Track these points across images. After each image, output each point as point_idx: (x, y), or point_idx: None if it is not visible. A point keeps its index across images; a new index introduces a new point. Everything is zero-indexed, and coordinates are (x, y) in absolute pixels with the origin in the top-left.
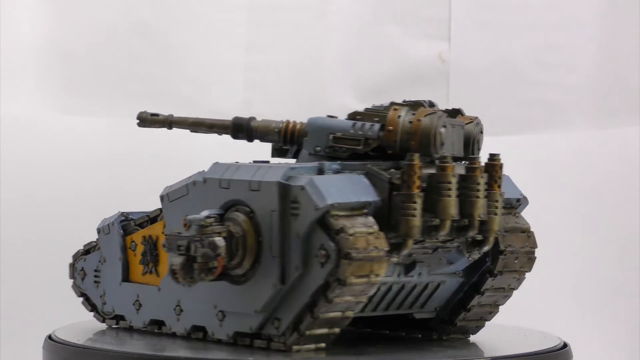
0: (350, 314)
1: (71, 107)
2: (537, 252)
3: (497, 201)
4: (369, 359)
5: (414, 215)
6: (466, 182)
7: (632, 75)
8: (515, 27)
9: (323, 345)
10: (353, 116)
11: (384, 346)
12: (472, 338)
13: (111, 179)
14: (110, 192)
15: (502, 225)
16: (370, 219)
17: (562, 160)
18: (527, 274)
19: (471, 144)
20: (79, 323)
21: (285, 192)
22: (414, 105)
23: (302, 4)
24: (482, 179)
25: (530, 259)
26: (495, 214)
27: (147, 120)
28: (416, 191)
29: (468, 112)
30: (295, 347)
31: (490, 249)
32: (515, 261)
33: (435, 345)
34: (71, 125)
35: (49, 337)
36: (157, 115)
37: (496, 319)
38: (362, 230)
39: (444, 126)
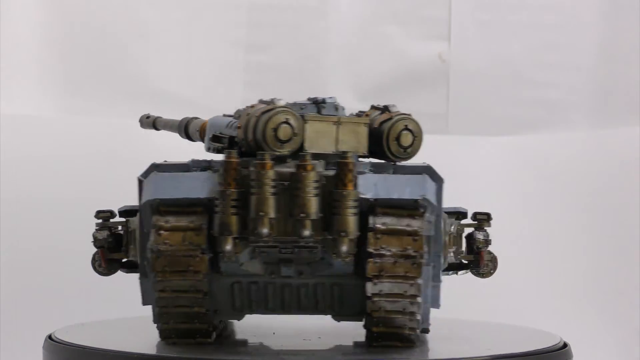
0: (199, 309)
1: (71, 107)
2: (537, 252)
3: (346, 201)
4: (369, 357)
5: (223, 212)
6: (296, 181)
7: (632, 76)
8: (515, 27)
9: (192, 340)
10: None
11: (385, 344)
12: (472, 337)
13: (111, 178)
14: (111, 192)
15: (354, 225)
16: (199, 216)
17: (562, 160)
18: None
19: (385, 141)
20: (79, 323)
21: (140, 188)
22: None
23: (302, 4)
24: (311, 177)
25: (415, 264)
26: (344, 214)
27: (143, 122)
28: (229, 189)
29: (468, 112)
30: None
31: (352, 250)
32: (395, 265)
33: (435, 344)
34: (71, 125)
35: (49, 337)
36: (148, 116)
37: (496, 319)
38: (181, 225)
39: (285, 122)
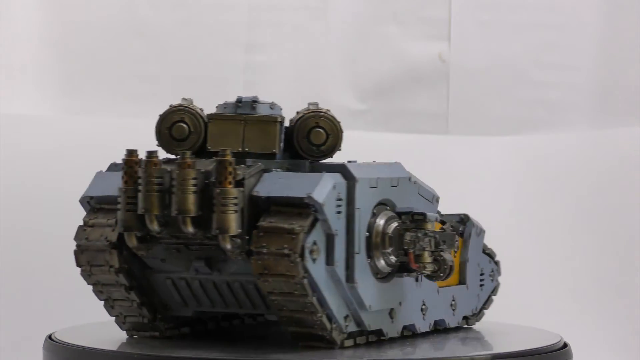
0: (131, 303)
1: (71, 107)
2: (537, 252)
3: (223, 199)
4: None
5: (121, 209)
6: (175, 178)
7: (632, 76)
8: (515, 27)
9: (146, 334)
10: None
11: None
12: (473, 336)
13: None
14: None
15: (234, 223)
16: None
17: (562, 160)
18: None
19: (296, 139)
20: (79, 323)
21: None
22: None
23: (302, 4)
24: (189, 174)
25: (292, 263)
26: (219, 211)
27: None
28: (126, 186)
29: (468, 112)
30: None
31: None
32: (276, 264)
33: (435, 344)
34: (71, 125)
35: (49, 337)
36: None
37: (496, 318)
38: (102, 222)
39: (180, 121)
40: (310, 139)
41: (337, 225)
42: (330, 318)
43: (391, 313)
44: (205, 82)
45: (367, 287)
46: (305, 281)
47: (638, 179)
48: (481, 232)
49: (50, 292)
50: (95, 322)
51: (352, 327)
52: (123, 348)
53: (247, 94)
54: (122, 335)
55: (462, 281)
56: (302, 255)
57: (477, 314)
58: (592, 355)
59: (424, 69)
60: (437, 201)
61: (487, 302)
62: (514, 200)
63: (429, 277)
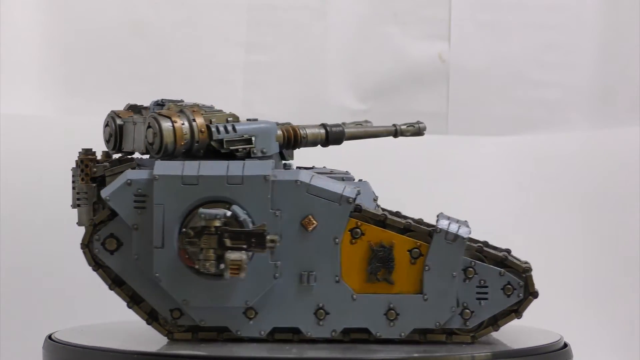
0: None
1: (71, 107)
2: (537, 252)
3: (77, 192)
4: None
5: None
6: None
7: (631, 76)
8: (515, 27)
9: None
10: None
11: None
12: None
13: None
14: None
15: (83, 215)
16: None
17: (562, 160)
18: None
19: (148, 137)
20: (79, 324)
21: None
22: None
23: (302, 4)
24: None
25: (84, 253)
26: (76, 204)
27: None
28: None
29: (468, 112)
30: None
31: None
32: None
33: (435, 343)
34: (71, 125)
35: (49, 337)
36: None
37: None
38: None
39: (107, 125)
40: (147, 138)
41: (136, 219)
42: (154, 309)
43: (247, 312)
44: (205, 82)
45: (179, 282)
46: (100, 271)
47: (638, 179)
48: (457, 239)
49: (50, 292)
50: (95, 322)
51: (185, 321)
52: (122, 347)
53: (247, 94)
54: (122, 335)
55: (419, 290)
56: (88, 246)
57: (476, 330)
58: (592, 355)
59: (424, 69)
60: (349, 202)
61: (501, 318)
62: (513, 200)
63: (217, 276)
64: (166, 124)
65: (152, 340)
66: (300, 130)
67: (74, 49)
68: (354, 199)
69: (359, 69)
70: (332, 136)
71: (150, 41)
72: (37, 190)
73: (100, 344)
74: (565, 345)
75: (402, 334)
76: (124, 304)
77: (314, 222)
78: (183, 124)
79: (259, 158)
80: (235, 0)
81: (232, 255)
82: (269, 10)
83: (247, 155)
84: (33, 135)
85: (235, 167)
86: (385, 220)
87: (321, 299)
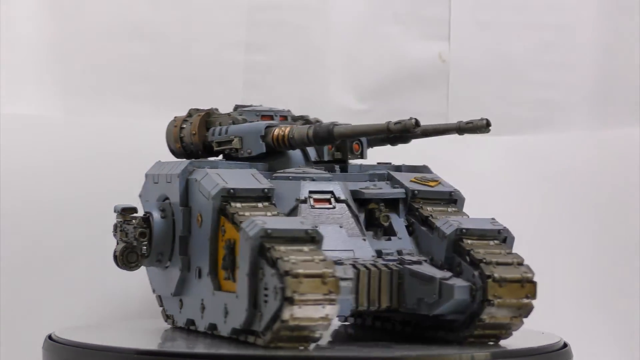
0: None
1: (71, 107)
2: (537, 252)
3: None
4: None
5: None
6: None
7: (632, 75)
8: (515, 27)
9: None
10: None
11: (390, 341)
12: None
13: (111, 179)
14: (111, 192)
15: None
16: None
17: (563, 160)
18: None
19: None
20: (79, 324)
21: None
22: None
23: (302, 4)
24: None
25: None
26: None
27: None
28: None
29: (468, 112)
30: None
31: None
32: None
33: (435, 343)
34: (71, 125)
35: (49, 337)
36: None
37: None
38: None
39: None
40: None
41: None
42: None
43: (179, 303)
44: (205, 82)
45: (152, 272)
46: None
47: (638, 179)
48: (248, 240)
49: (50, 292)
50: (95, 322)
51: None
52: (122, 346)
53: (247, 94)
54: (122, 335)
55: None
56: None
57: (262, 332)
58: (592, 355)
59: (424, 69)
60: (214, 198)
61: (275, 323)
62: (513, 200)
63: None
64: (168, 128)
65: (152, 338)
66: (288, 131)
67: (74, 49)
68: (217, 196)
69: (359, 69)
70: (319, 135)
71: (150, 41)
72: (37, 191)
73: (100, 342)
74: (565, 345)
75: (228, 333)
76: (124, 304)
77: (200, 218)
78: (182, 127)
79: (246, 159)
80: (235, 1)
81: (117, 248)
82: (269, 11)
83: (236, 155)
84: (33, 135)
85: (177, 166)
86: (233, 217)
87: (203, 294)
